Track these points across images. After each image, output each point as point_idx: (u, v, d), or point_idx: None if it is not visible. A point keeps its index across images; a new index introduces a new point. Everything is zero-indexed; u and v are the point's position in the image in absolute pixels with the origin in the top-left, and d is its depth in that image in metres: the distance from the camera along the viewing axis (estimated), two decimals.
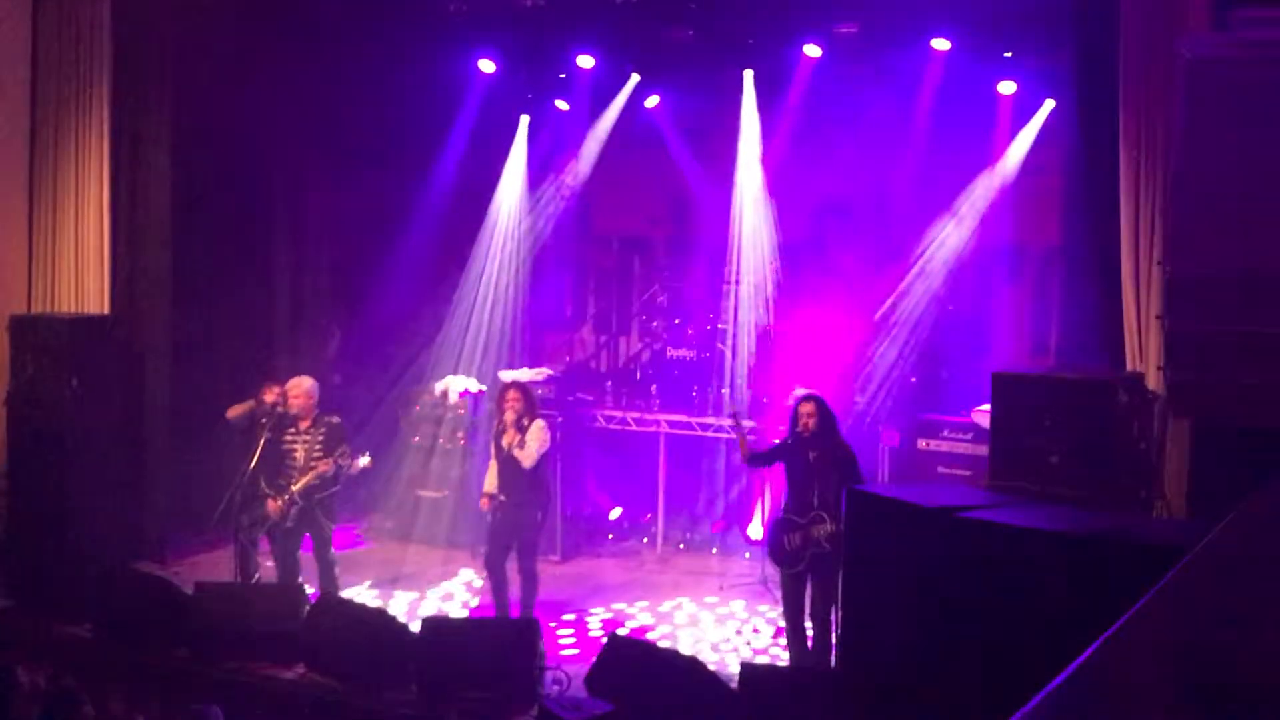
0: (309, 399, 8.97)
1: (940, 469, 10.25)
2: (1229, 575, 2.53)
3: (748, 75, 11.45)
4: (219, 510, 8.84)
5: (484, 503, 9.03)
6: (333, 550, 9.17)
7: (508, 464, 8.84)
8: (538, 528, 9.06)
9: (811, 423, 7.98)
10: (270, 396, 9.07)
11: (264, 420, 8.96)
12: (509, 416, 8.82)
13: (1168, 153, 7.28)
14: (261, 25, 10.88)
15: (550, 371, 11.77)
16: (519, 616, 8.78)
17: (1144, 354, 7.64)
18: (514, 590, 8.97)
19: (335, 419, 9.13)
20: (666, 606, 9.78)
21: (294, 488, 8.81)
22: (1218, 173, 6.73)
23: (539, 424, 8.92)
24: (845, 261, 12.00)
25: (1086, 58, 8.47)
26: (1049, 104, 10.46)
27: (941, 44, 10.27)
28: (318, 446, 8.91)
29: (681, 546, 11.33)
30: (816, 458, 7.98)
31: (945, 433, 10.34)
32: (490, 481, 9.00)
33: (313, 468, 8.82)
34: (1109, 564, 5.05)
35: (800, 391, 9.12)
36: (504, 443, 8.85)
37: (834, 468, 7.90)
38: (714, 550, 11.18)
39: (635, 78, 11.89)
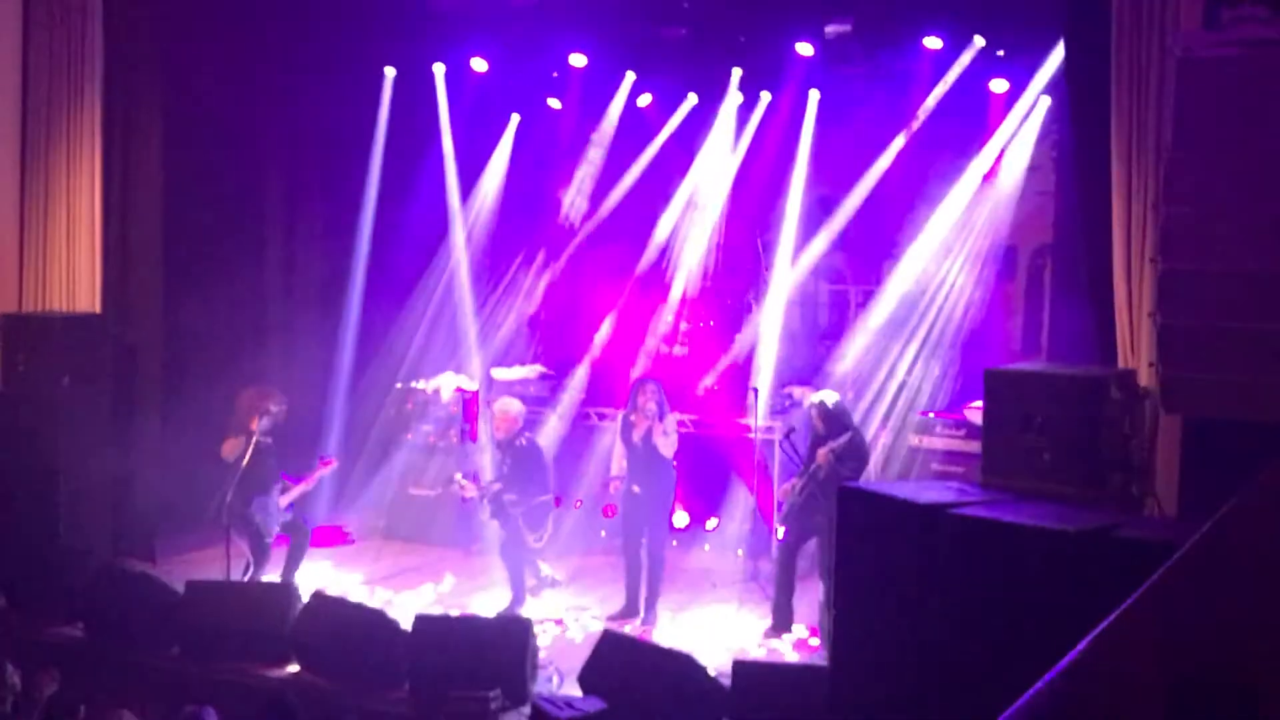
0: (513, 422, 9.46)
1: (933, 466, 10.26)
2: (1217, 571, 2.53)
3: (735, 74, 11.45)
4: (210, 508, 8.98)
5: (612, 486, 9.63)
6: (521, 551, 9.44)
7: (638, 455, 9.21)
8: (668, 515, 9.64)
9: (820, 425, 8.88)
10: (273, 406, 9.23)
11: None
12: (651, 408, 9.17)
13: (1160, 149, 7.28)
14: (253, 25, 10.87)
15: (543, 369, 11.76)
16: (648, 599, 9.27)
17: (1136, 350, 7.63)
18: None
19: (523, 441, 9.51)
20: (659, 604, 9.77)
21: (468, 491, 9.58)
22: (1210, 169, 6.73)
23: (672, 418, 9.43)
24: (837, 260, 12.01)
25: (1079, 56, 8.47)
26: (1042, 101, 10.47)
27: (934, 42, 10.28)
28: (505, 468, 9.42)
29: (674, 544, 11.31)
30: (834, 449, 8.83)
31: (938, 429, 10.34)
32: (618, 466, 9.44)
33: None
34: (1100, 560, 5.06)
35: (800, 393, 9.54)
36: (635, 436, 9.21)
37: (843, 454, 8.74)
38: (705, 547, 11.17)
39: (631, 76, 11.88)
